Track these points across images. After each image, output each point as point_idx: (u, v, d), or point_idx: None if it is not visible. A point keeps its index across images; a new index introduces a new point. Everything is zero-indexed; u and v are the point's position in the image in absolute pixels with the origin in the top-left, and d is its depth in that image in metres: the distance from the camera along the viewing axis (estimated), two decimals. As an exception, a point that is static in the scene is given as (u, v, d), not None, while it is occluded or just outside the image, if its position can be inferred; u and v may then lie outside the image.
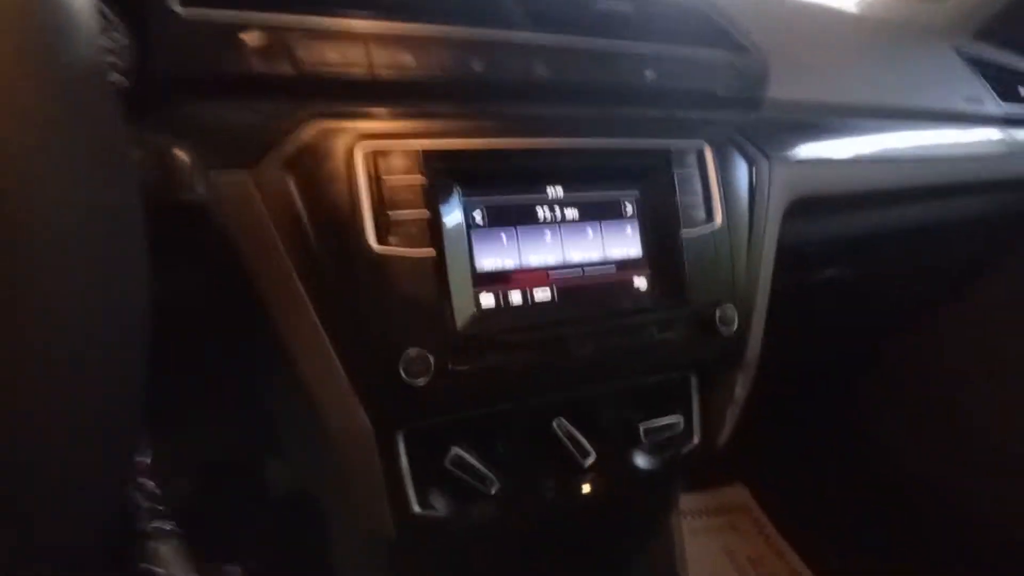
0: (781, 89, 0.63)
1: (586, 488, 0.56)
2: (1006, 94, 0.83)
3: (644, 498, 0.69)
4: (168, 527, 0.46)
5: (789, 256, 0.67)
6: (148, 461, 0.45)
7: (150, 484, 0.45)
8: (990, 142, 0.80)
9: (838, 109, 0.67)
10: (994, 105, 0.80)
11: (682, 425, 0.59)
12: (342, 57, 0.45)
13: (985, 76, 0.82)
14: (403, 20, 0.47)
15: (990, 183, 0.80)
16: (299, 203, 0.43)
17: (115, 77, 0.38)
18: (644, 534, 0.72)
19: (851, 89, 0.70)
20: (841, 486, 1.25)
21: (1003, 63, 0.87)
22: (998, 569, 1.05)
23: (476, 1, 0.51)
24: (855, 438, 1.25)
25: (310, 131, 0.44)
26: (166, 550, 0.45)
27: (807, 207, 0.64)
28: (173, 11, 0.40)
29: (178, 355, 0.55)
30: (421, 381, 0.44)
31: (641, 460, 0.58)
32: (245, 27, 0.42)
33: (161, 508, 0.45)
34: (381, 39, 0.46)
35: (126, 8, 0.40)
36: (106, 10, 0.40)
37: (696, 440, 0.61)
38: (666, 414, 0.58)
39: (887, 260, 0.91)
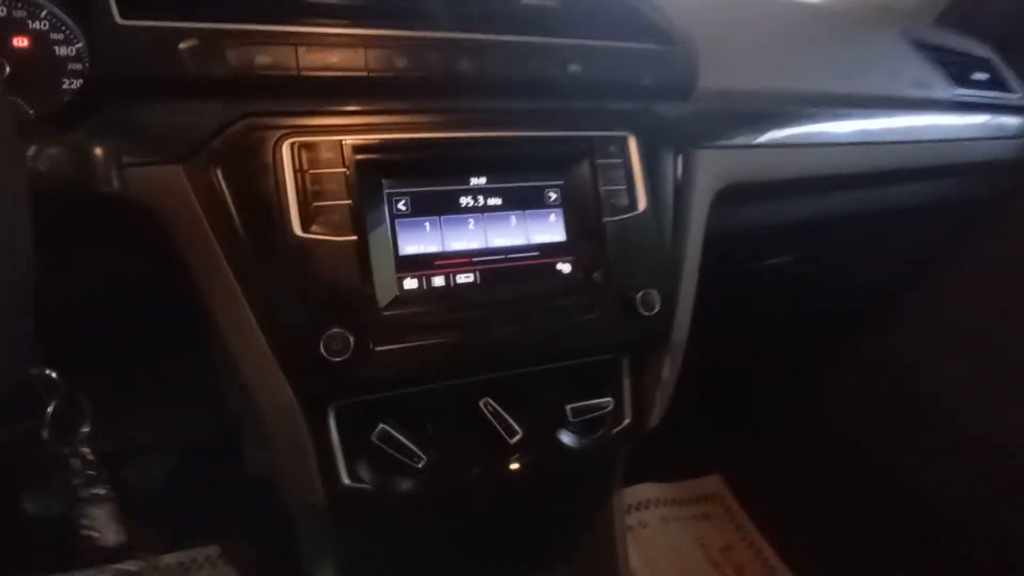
0: (712, 79, 0.65)
1: (513, 465, 0.59)
2: (959, 79, 0.84)
3: (580, 478, 0.72)
4: (103, 492, 0.50)
5: (729, 243, 0.70)
6: (87, 431, 0.49)
7: (87, 452, 0.49)
8: (936, 127, 0.81)
9: (772, 97, 0.70)
10: (943, 90, 0.82)
11: (612, 406, 0.61)
12: (272, 59, 0.48)
13: (938, 61, 0.83)
14: (329, 24, 0.51)
15: (936, 168, 0.81)
16: (228, 195, 0.47)
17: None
18: (583, 516, 0.75)
19: (788, 77, 0.72)
20: (814, 477, 1.26)
21: (959, 48, 0.88)
22: (970, 557, 1.06)
23: (399, 3, 0.55)
24: (828, 429, 1.27)
25: (240, 128, 0.48)
26: (100, 513, 0.50)
27: (740, 194, 0.66)
28: (114, 21, 0.45)
29: (132, 336, 0.60)
30: (341, 359, 0.47)
31: (568, 439, 0.61)
32: (181, 35, 0.46)
33: (96, 474, 0.50)
34: (309, 42, 0.50)
35: (79, 18, 0.44)
36: (66, 19, 0.44)
37: (627, 420, 0.64)
38: (596, 395, 0.61)
39: (841, 247, 0.92)
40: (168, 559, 1.03)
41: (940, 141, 0.81)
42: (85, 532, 0.50)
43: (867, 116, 0.76)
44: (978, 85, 0.85)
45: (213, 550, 1.04)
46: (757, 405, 1.35)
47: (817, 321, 1.18)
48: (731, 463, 1.37)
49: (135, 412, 0.65)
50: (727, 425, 1.36)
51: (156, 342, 0.61)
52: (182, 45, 0.46)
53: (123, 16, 0.45)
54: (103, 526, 0.50)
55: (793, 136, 0.70)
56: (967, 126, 0.84)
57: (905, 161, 0.78)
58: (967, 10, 0.93)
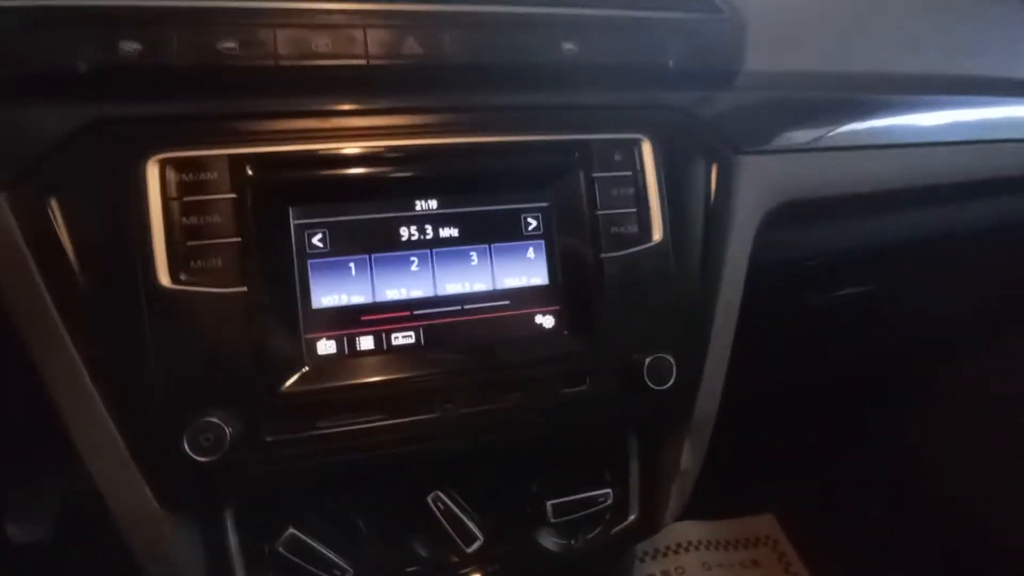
0: (764, 58, 0.47)
1: (474, 576, 0.45)
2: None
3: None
4: None
5: (781, 274, 0.53)
6: None
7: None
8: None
9: (847, 81, 0.51)
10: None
11: (611, 499, 0.46)
12: (138, 44, 0.35)
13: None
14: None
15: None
16: (67, 232, 0.35)
17: None
18: None
19: (868, 55, 0.53)
20: (878, 521, 1.07)
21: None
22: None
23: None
24: (897, 470, 1.07)
25: (87, 141, 0.35)
26: None
27: (797, 213, 0.49)
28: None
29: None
30: (211, 458, 0.34)
31: (550, 542, 0.46)
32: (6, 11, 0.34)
33: None
34: (185, 19, 0.36)
35: None
36: None
37: (633, 517, 0.49)
38: (591, 485, 0.46)
39: (919, 277, 0.72)
40: None
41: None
42: None
43: (978, 105, 0.56)
44: None
45: None
46: (817, 440, 1.15)
47: (884, 356, 0.98)
48: (786, 502, 1.18)
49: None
50: (783, 459, 1.17)
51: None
52: (7, 24, 0.34)
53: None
54: None
55: (875, 133, 0.50)
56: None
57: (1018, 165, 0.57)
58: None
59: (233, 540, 0.40)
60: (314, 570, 0.40)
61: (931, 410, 1.01)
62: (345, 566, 0.41)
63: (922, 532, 1.02)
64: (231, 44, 0.37)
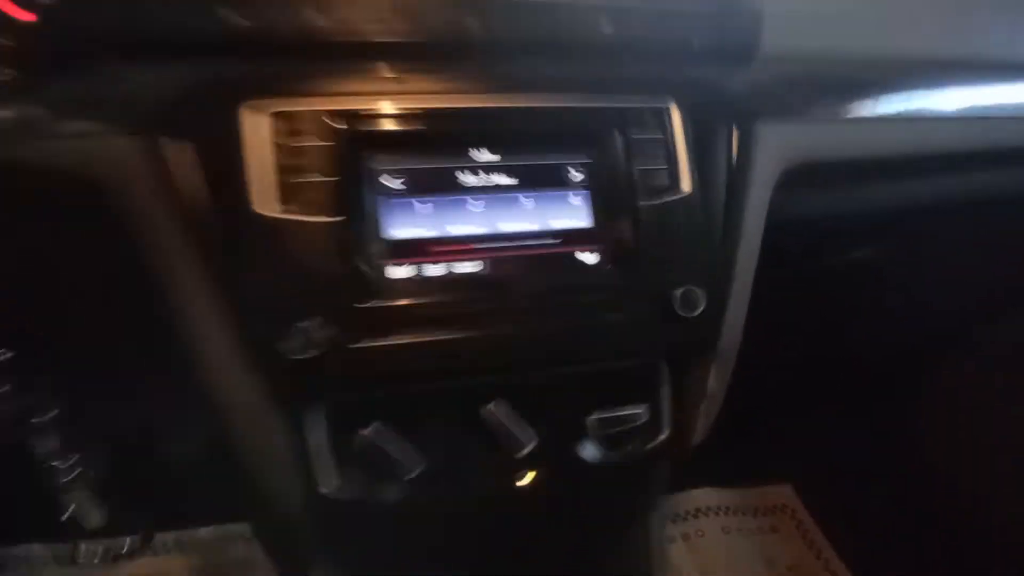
0: (781, 38, 0.53)
1: (520, 481, 0.52)
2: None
3: (607, 497, 0.63)
4: (79, 478, 0.47)
5: (801, 234, 0.58)
6: (53, 415, 0.46)
7: (56, 439, 0.46)
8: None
9: (860, 61, 0.57)
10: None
11: (646, 417, 0.53)
12: (246, 19, 0.42)
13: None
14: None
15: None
16: (189, 169, 0.42)
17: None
18: (609, 539, 0.67)
19: (881, 37, 0.59)
20: (891, 492, 1.11)
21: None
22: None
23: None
24: (907, 442, 1.10)
25: (207, 95, 0.42)
26: (81, 498, 0.47)
27: (811, 175, 0.55)
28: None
29: (89, 324, 0.56)
30: (312, 355, 0.41)
31: (590, 453, 0.53)
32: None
33: (71, 462, 0.47)
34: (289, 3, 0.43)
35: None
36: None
37: (664, 435, 0.55)
38: (627, 405, 0.53)
39: (935, 241, 0.77)
40: (203, 533, 1.03)
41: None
42: (70, 516, 0.48)
43: (985, 83, 0.61)
44: None
45: (246, 528, 1.03)
46: (838, 411, 1.19)
47: (906, 326, 1.02)
48: (804, 472, 1.23)
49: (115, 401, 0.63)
50: (802, 429, 1.22)
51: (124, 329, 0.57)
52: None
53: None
54: (85, 510, 0.48)
55: (886, 107, 0.57)
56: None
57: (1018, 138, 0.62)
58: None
59: (314, 438, 0.47)
60: (387, 462, 0.47)
61: (946, 386, 1.04)
62: (412, 463, 0.48)
63: (942, 512, 1.05)
64: (319, 20, 0.44)
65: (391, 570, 0.63)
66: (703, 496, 1.21)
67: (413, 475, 0.48)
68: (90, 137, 0.40)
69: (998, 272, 0.86)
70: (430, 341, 0.45)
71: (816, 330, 0.95)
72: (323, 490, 0.47)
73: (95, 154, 0.40)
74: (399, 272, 0.45)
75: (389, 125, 0.45)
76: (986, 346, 0.96)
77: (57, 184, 0.40)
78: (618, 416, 0.52)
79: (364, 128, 0.44)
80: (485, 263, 0.47)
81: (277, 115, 0.42)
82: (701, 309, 0.48)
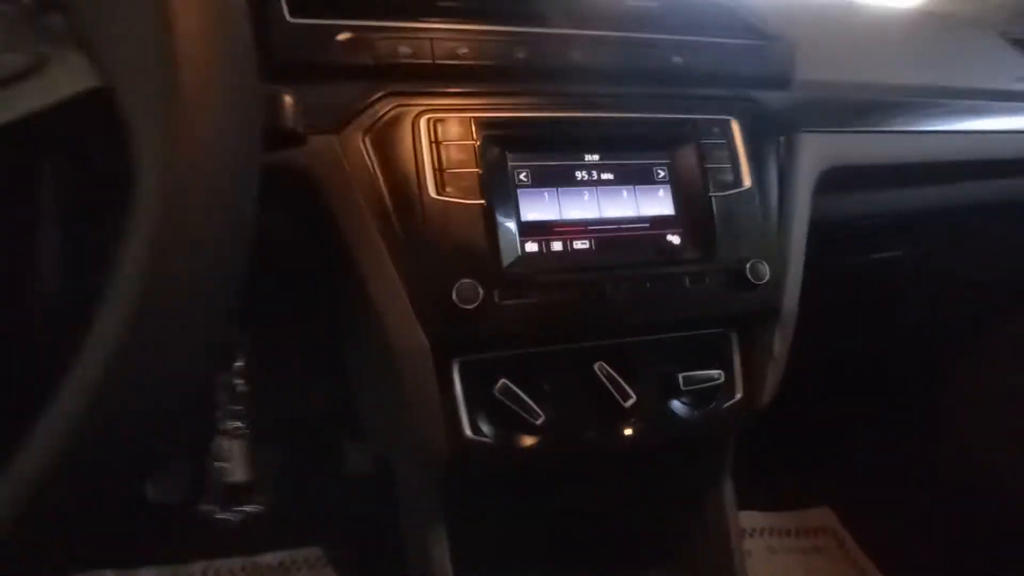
0: (810, 71, 0.68)
1: (627, 430, 0.60)
2: (1066, 75, 0.82)
3: (691, 452, 0.71)
4: (240, 426, 0.55)
5: (836, 232, 0.70)
6: (240, 364, 0.54)
7: (240, 384, 0.54)
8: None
9: (872, 87, 0.71)
10: (1051, 85, 0.81)
11: (723, 379, 0.62)
12: (411, 50, 0.56)
13: (1040, 60, 0.83)
14: (459, 21, 0.58)
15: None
16: (375, 162, 0.53)
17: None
18: (695, 498, 0.74)
19: (887, 71, 0.73)
20: (930, 507, 1.17)
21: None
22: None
23: (519, 5, 0.62)
24: (948, 459, 1.18)
25: (384, 106, 0.54)
26: (235, 447, 0.54)
27: (843, 178, 0.68)
28: (285, 18, 0.53)
29: (272, 292, 0.66)
30: (471, 306, 0.51)
31: (680, 408, 0.62)
32: (338, 29, 0.54)
33: (240, 408, 0.54)
34: (443, 35, 0.57)
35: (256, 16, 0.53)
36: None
37: (739, 395, 0.64)
38: (707, 368, 0.62)
39: (957, 245, 0.89)
40: (268, 558, 1.07)
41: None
42: (217, 465, 0.54)
43: (972, 107, 0.76)
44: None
45: (313, 552, 1.07)
46: (872, 433, 1.27)
47: (939, 342, 1.13)
48: (843, 494, 1.28)
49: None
50: (838, 452, 1.29)
51: (290, 310, 0.67)
52: (339, 37, 0.54)
53: (292, 15, 0.54)
54: (235, 461, 0.54)
55: (895, 122, 0.71)
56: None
57: (1011, 151, 0.76)
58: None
59: (459, 388, 0.56)
60: (519, 412, 0.55)
61: (982, 398, 1.12)
62: (539, 411, 0.56)
63: (985, 528, 1.10)
64: (464, 50, 0.57)
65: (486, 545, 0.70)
66: (748, 519, 1.26)
67: (540, 423, 0.56)
68: (317, 140, 0.51)
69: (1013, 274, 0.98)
70: (556, 301, 0.55)
71: (852, 329, 1.05)
72: (468, 434, 0.56)
73: (319, 155, 0.52)
74: (531, 246, 0.55)
75: (522, 131, 0.57)
76: (1012, 346, 1.05)
77: (288, 180, 0.51)
78: (700, 375, 0.61)
79: (503, 133, 0.56)
80: (593, 242, 0.58)
81: (439, 121, 0.54)
82: (767, 278, 0.59)
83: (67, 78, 0.29)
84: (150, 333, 0.28)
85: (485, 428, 0.57)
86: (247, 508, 0.60)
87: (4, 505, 0.25)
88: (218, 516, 0.58)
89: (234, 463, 0.57)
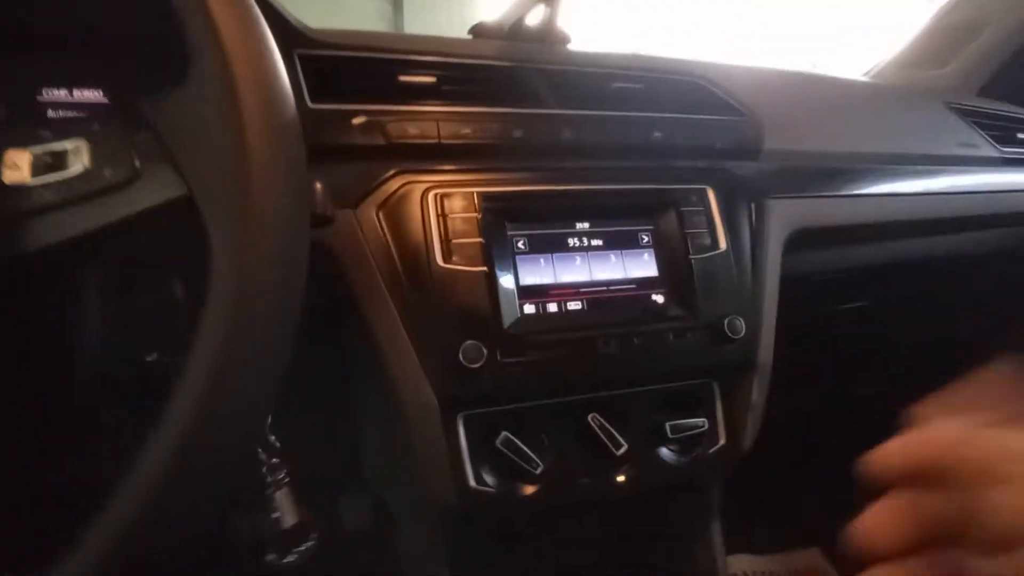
0: (775, 142, 0.75)
1: (620, 477, 0.64)
2: (1005, 139, 0.91)
3: (679, 498, 0.75)
4: (282, 476, 0.58)
5: (806, 286, 0.77)
6: (269, 420, 0.58)
7: (272, 440, 0.58)
8: (988, 181, 0.88)
9: (829, 156, 0.79)
10: (991, 149, 0.89)
11: (707, 427, 0.67)
12: (419, 131, 0.62)
13: (981, 126, 0.92)
14: (462, 104, 0.65)
15: (989, 216, 0.87)
16: (387, 233, 0.58)
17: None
18: (683, 538, 0.78)
19: (841, 140, 0.81)
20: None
21: (1001, 112, 0.96)
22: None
23: (515, 88, 0.68)
24: None
25: (395, 182, 0.60)
26: (281, 496, 0.58)
27: (809, 238, 0.74)
28: (307, 104, 0.59)
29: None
30: (476, 365, 0.56)
31: (668, 455, 0.66)
32: (354, 114, 0.60)
33: (278, 461, 0.58)
34: (447, 117, 0.63)
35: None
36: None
37: (722, 441, 0.69)
38: (692, 416, 0.67)
39: (916, 295, 0.97)
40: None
41: (991, 192, 0.88)
42: (272, 516, 0.57)
43: (920, 172, 0.84)
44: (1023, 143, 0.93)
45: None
46: (849, 475, 1.32)
47: (911, 385, 1.19)
48: (831, 536, 1.32)
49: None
50: (826, 495, 1.33)
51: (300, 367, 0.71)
52: (354, 120, 0.60)
53: (313, 101, 0.60)
54: (285, 508, 0.58)
55: (853, 187, 0.78)
56: (1016, 180, 0.90)
57: (959, 210, 0.85)
58: (1007, 83, 1.02)
59: (463, 441, 0.60)
60: (519, 462, 0.60)
61: None
62: (538, 461, 0.61)
63: None
64: (468, 131, 0.63)
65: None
66: (737, 562, 1.29)
67: (539, 472, 0.60)
68: (337, 215, 0.56)
69: (975, 322, 1.06)
70: (552, 359, 0.60)
71: (826, 376, 1.11)
72: (472, 484, 0.60)
73: (338, 229, 0.57)
74: (529, 308, 0.61)
75: (519, 203, 0.63)
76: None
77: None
78: (686, 423, 0.66)
79: (503, 205, 0.62)
80: (585, 302, 0.63)
81: (445, 196, 0.60)
82: (744, 332, 0.65)
83: (156, 189, 0.34)
84: (221, 403, 0.32)
85: (488, 478, 0.61)
86: (304, 547, 0.63)
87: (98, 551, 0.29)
88: (283, 561, 0.61)
89: (284, 510, 0.60)
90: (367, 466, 0.74)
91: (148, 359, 0.54)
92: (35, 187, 0.33)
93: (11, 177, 0.33)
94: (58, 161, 0.34)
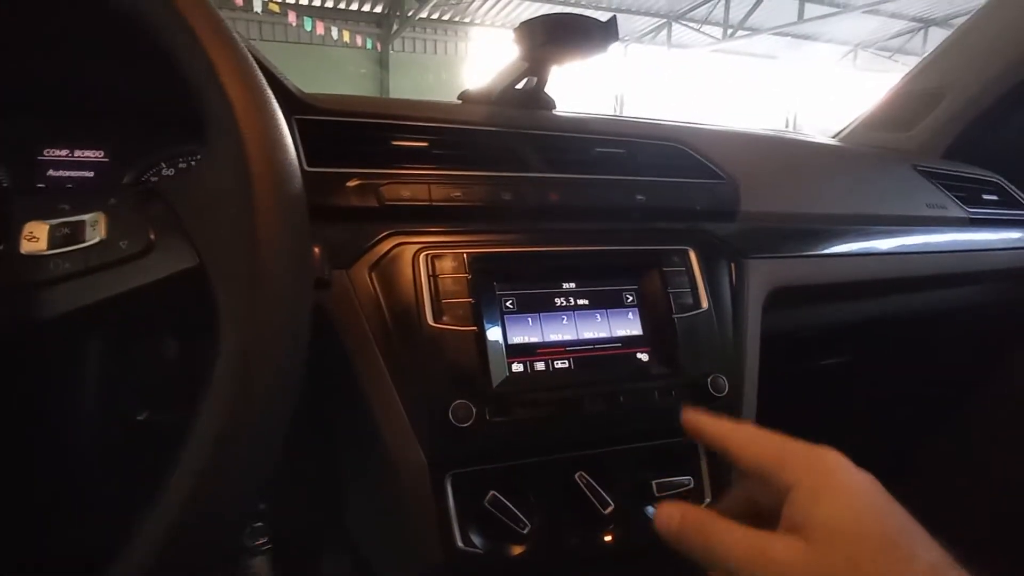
0: (753, 204, 0.78)
1: (607, 536, 0.64)
2: (971, 200, 0.96)
3: (667, 558, 0.75)
4: (264, 541, 0.58)
5: (785, 344, 0.79)
6: None
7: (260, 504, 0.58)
8: (956, 240, 0.92)
9: (805, 217, 0.82)
10: (959, 210, 0.94)
11: (692, 484, 0.68)
12: (411, 193, 0.64)
13: (948, 188, 0.96)
14: (452, 168, 0.67)
15: (960, 275, 0.91)
16: (379, 293, 0.60)
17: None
18: None
19: (816, 202, 0.85)
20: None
21: (966, 175, 1.01)
22: None
23: (504, 153, 0.71)
24: None
25: (388, 243, 0.62)
26: (260, 562, 0.57)
27: (788, 296, 0.77)
28: (304, 167, 0.61)
29: None
30: (465, 425, 0.57)
31: (652, 512, 0.67)
32: (348, 177, 0.62)
33: (261, 525, 0.58)
34: (438, 180, 0.65)
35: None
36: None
37: (708, 499, 0.69)
38: (677, 474, 0.68)
39: (893, 350, 0.99)
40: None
41: (961, 252, 0.92)
42: None
43: (892, 232, 0.88)
44: (989, 204, 0.97)
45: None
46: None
47: (894, 439, 1.21)
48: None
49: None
50: None
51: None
52: (349, 183, 0.62)
53: (309, 164, 0.62)
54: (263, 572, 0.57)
55: (829, 247, 0.82)
56: (986, 239, 0.95)
57: (929, 269, 0.88)
58: (971, 145, 1.07)
59: (451, 501, 0.60)
60: (507, 521, 0.60)
61: (932, 486, 1.20)
62: (526, 521, 0.61)
63: None
64: (458, 193, 0.66)
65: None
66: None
67: (527, 532, 0.61)
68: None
69: (950, 376, 1.08)
70: (540, 417, 0.61)
71: (823, 428, 1.13)
72: (460, 545, 0.60)
73: (332, 289, 0.58)
74: (517, 367, 0.62)
75: (508, 264, 0.65)
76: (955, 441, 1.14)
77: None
78: (672, 481, 0.67)
79: (492, 266, 0.64)
80: (572, 361, 0.64)
81: (436, 256, 0.62)
82: (726, 390, 0.67)
83: (169, 259, 0.35)
84: (222, 476, 0.33)
85: (476, 539, 0.61)
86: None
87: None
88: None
89: (263, 576, 0.59)
90: (351, 524, 0.74)
91: (139, 417, 0.54)
92: (52, 257, 0.34)
93: (29, 248, 0.34)
94: (76, 232, 0.35)
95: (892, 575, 0.35)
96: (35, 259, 0.34)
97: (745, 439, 0.45)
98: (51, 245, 0.34)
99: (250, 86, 0.37)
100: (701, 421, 0.50)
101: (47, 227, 0.34)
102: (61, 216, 0.35)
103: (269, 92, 0.39)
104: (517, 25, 0.66)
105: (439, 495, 0.59)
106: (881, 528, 0.37)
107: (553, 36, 0.64)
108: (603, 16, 0.70)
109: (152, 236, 0.36)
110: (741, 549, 0.40)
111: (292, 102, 0.65)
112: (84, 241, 0.35)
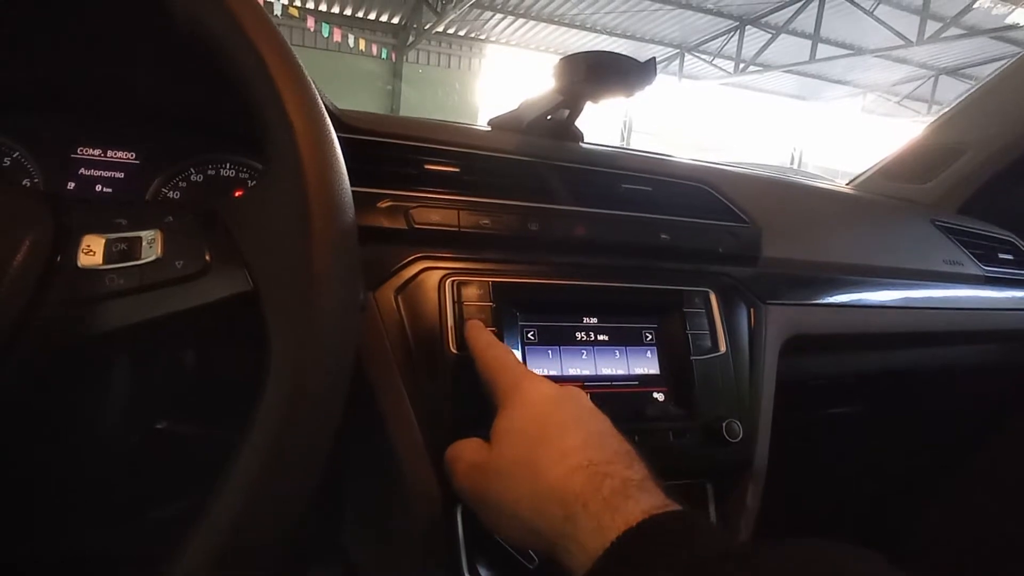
0: (774, 249, 0.79)
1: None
2: (986, 258, 0.97)
3: None
4: None
5: (800, 391, 0.79)
6: None
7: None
8: (971, 298, 0.92)
9: (825, 266, 0.83)
10: (976, 268, 0.94)
11: (699, 529, 0.67)
12: (440, 218, 0.64)
13: (964, 244, 0.97)
14: (483, 195, 0.67)
15: (973, 333, 0.91)
16: (404, 317, 0.60)
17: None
18: None
19: (837, 251, 0.85)
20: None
21: (983, 232, 1.02)
22: None
23: (533, 183, 0.71)
24: None
25: (415, 268, 0.62)
26: None
27: (803, 345, 0.77)
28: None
29: None
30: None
31: (662, 554, 0.66)
32: (379, 198, 0.62)
33: None
34: (468, 206, 0.66)
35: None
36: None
37: (714, 545, 0.69)
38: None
39: (905, 400, 1.00)
40: None
41: (976, 309, 0.92)
42: None
43: (910, 285, 0.88)
44: (1004, 263, 0.98)
45: None
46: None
47: (905, 490, 1.21)
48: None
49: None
50: None
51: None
52: (379, 204, 0.62)
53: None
54: None
55: (847, 297, 0.82)
56: (1000, 298, 0.95)
57: (944, 325, 0.89)
58: (986, 201, 1.08)
59: (460, 532, 0.60)
60: (515, 555, 0.59)
61: (934, 540, 1.19)
62: (533, 556, 0.60)
63: None
64: (486, 221, 0.66)
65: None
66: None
67: (533, 568, 0.60)
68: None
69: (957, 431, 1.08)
70: (555, 451, 0.61)
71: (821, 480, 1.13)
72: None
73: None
74: (535, 399, 0.62)
75: (532, 295, 0.65)
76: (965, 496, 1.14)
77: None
78: (682, 524, 0.67)
79: (516, 296, 0.64)
80: (589, 396, 0.64)
81: (462, 284, 0.62)
82: (740, 436, 0.66)
83: (224, 283, 0.36)
84: (264, 506, 0.32)
85: (483, 572, 0.60)
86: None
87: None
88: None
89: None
90: (350, 545, 0.73)
91: (158, 427, 0.53)
92: (107, 272, 0.34)
93: (86, 261, 0.34)
94: (132, 249, 0.35)
95: (544, 462, 0.44)
96: (91, 273, 0.34)
97: (483, 363, 0.54)
98: (107, 260, 0.34)
99: (313, 118, 0.37)
100: (472, 335, 0.58)
101: (103, 241, 0.34)
102: (118, 231, 0.35)
103: (329, 123, 0.40)
104: (560, 58, 0.67)
105: (449, 526, 0.59)
106: (541, 429, 0.46)
107: (593, 74, 0.65)
108: (619, 43, 0.71)
109: (208, 258, 0.36)
110: (452, 450, 0.53)
111: (335, 122, 0.65)
112: (140, 258, 0.35)
